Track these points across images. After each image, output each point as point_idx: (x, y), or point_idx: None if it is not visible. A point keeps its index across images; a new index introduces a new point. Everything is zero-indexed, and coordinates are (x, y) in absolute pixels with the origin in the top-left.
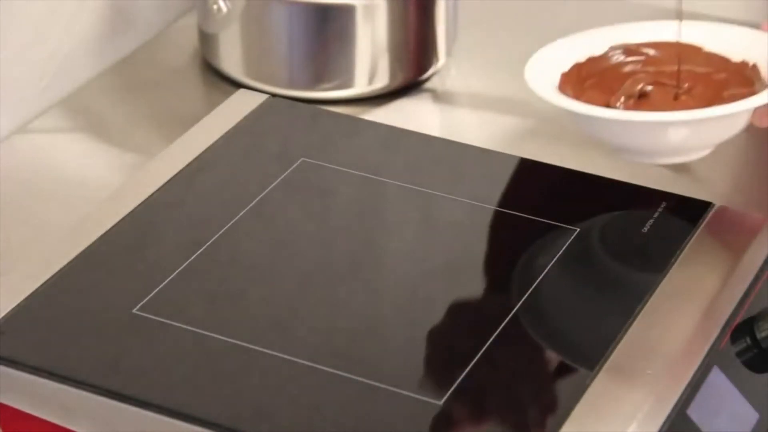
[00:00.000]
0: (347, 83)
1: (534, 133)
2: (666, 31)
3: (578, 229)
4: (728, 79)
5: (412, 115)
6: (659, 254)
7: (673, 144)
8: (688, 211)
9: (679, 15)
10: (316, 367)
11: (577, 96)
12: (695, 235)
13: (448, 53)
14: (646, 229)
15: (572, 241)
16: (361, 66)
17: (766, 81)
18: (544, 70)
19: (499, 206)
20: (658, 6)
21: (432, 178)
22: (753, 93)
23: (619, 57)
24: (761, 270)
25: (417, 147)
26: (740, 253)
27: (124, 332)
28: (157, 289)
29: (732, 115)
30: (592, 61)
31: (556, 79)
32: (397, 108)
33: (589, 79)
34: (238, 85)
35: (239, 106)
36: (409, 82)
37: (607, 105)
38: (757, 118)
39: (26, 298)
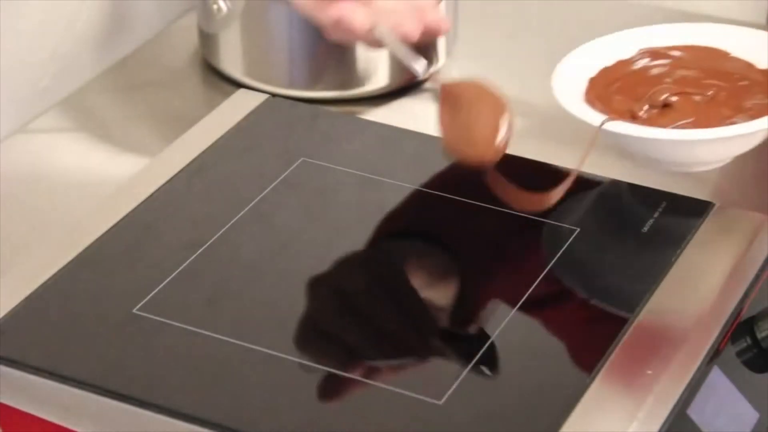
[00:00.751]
0: (347, 83)
1: (534, 133)
2: (694, 34)
3: (578, 229)
4: (751, 87)
5: (412, 115)
6: (659, 254)
7: (694, 158)
8: (688, 211)
9: None
10: (317, 367)
11: (603, 101)
12: (695, 235)
13: (448, 53)
14: (646, 229)
15: (572, 241)
16: (361, 66)
17: None
18: (572, 76)
19: (500, 206)
20: (658, 6)
21: (432, 177)
22: None
23: (646, 61)
24: (761, 270)
25: (417, 147)
26: (740, 253)
27: (124, 332)
28: (157, 289)
29: (752, 133)
30: (619, 64)
31: (584, 84)
32: (397, 108)
33: (615, 83)
34: (238, 85)
35: (239, 106)
36: (409, 82)
37: (632, 111)
38: None
39: (26, 298)
